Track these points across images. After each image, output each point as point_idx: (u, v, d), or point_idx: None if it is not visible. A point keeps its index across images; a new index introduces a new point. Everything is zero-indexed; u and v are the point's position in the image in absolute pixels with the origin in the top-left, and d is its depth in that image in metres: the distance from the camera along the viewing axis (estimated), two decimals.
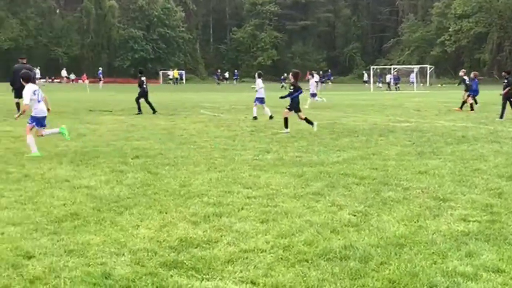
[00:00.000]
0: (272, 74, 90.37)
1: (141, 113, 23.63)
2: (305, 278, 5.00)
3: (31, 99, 12.07)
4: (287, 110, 16.77)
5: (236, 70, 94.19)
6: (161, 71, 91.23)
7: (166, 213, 7.20)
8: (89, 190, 8.48)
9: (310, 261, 5.42)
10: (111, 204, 7.56)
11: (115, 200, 7.84)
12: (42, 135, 12.60)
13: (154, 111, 23.95)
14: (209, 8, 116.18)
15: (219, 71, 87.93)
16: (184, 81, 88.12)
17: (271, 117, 20.92)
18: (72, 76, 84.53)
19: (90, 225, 6.59)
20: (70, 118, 21.54)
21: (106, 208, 7.36)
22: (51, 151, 12.58)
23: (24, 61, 23.26)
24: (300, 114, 16.87)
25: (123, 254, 5.55)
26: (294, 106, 16.71)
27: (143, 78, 24.96)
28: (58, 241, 5.93)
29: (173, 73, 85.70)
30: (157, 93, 39.13)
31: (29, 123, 12.21)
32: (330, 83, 73.70)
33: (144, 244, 5.90)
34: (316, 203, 7.74)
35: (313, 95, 30.28)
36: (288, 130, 16.52)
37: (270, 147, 13.58)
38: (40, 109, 12.33)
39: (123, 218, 6.90)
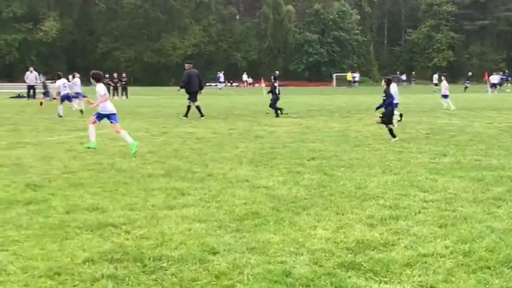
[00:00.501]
0: (449, 75, 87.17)
1: (280, 114, 24.33)
2: (487, 286, 4.83)
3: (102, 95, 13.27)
4: (380, 118, 15.70)
5: (413, 72, 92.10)
6: (334, 74, 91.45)
7: (342, 214, 7.26)
8: (267, 190, 8.77)
9: (492, 268, 5.22)
10: (289, 204, 7.77)
11: (292, 200, 8.04)
12: (118, 132, 13.36)
13: (277, 115, 24.40)
14: (384, 10, 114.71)
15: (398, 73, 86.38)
16: (357, 83, 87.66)
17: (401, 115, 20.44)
18: (250, 80, 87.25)
19: (270, 224, 6.82)
20: (247, 120, 22.36)
21: (284, 208, 7.57)
22: (231, 152, 13.16)
23: (191, 65, 24.71)
24: (390, 126, 15.63)
25: (302, 254, 5.69)
26: (387, 116, 15.52)
27: (276, 84, 25.56)
28: (240, 238, 6.20)
29: (347, 76, 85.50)
30: (330, 96, 39.35)
31: (94, 116, 13.47)
32: (509, 84, 69.56)
33: (321, 244, 6.00)
34: (497, 209, 7.41)
35: (445, 96, 28.65)
36: (397, 138, 15.45)
37: (447, 150, 13.18)
38: (104, 107, 13.38)
39: (301, 218, 7.06)
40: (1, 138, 15.64)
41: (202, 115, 23.45)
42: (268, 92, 26.08)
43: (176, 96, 41.01)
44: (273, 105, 24.96)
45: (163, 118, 23.43)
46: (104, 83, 14.02)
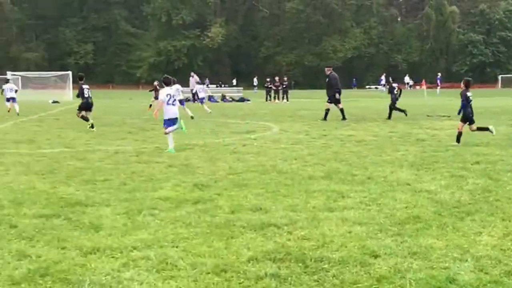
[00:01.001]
0: None
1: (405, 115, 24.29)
2: None
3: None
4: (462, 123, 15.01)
5: None
6: (500, 76, 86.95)
7: (509, 221, 6.95)
8: (429, 194, 8.58)
9: None
10: (452, 209, 7.56)
11: (455, 205, 7.81)
12: (166, 134, 14.16)
13: (389, 117, 24.32)
14: None
15: None
16: None
17: None
18: (411, 82, 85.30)
19: (432, 228, 6.68)
20: (408, 123, 21.93)
21: (447, 213, 7.37)
22: (392, 154, 13.00)
23: (331, 69, 25.29)
24: (472, 126, 15.10)
25: (466, 260, 5.53)
26: (467, 118, 14.92)
27: (395, 85, 25.44)
28: (401, 242, 6.14)
29: None
30: (495, 98, 37.51)
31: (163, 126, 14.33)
32: None
33: (487, 251, 5.80)
34: None
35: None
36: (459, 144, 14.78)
37: None
38: (167, 112, 14.27)
39: (465, 224, 6.85)
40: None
41: (344, 118, 23.83)
42: (388, 93, 26.07)
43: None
44: (392, 106, 24.68)
45: (322, 121, 23.58)
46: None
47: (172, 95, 14.46)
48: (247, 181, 9.77)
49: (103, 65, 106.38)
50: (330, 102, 24.38)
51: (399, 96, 25.27)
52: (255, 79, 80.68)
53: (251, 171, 10.89)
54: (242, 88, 66.96)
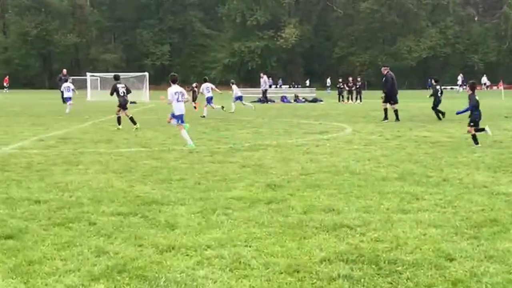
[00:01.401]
0: None
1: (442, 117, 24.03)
2: None
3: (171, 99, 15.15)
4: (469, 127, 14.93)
5: None
6: None
7: None
8: (507, 197, 8.37)
9: None
10: None
11: None
12: (180, 131, 15.25)
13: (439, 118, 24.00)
14: None
15: None
16: None
17: None
18: (488, 82, 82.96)
19: (510, 232, 6.51)
20: (484, 124, 21.31)
21: None
22: (468, 156, 12.72)
23: (388, 69, 25.26)
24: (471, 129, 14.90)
25: None
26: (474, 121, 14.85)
27: (438, 87, 25.08)
28: (478, 246, 6.02)
29: None
30: None
31: (173, 122, 15.35)
32: None
33: None
34: None
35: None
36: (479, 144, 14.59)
37: None
38: (177, 108, 15.10)
39: None
40: (245, 140, 16.73)
41: (398, 119, 23.76)
42: (430, 96, 25.59)
43: (409, 100, 40.52)
44: (434, 107, 24.57)
45: (396, 121, 23.27)
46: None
47: (179, 92, 15.38)
48: (320, 182, 9.77)
49: (178, 66, 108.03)
50: (390, 102, 24.12)
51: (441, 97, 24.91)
52: (328, 80, 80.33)
53: (324, 171, 10.88)
54: (315, 88, 66.80)
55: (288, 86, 78.76)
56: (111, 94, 21.55)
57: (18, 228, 6.73)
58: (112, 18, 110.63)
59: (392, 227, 6.81)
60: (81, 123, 23.34)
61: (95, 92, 53.53)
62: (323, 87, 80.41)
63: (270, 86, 73.06)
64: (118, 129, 20.23)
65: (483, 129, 15.14)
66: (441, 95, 25.07)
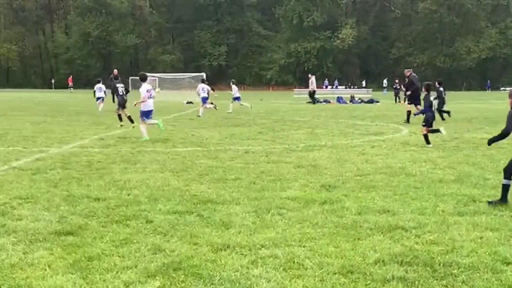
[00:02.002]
0: None
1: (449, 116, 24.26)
2: None
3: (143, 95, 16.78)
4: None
5: None
6: None
7: None
8: None
9: None
10: None
11: None
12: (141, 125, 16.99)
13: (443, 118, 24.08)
14: None
15: None
16: None
17: None
18: None
19: None
20: None
21: None
22: None
23: (411, 71, 24.97)
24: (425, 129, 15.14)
25: None
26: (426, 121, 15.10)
27: (441, 89, 24.93)
28: None
29: None
30: None
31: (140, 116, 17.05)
32: None
33: None
34: None
35: None
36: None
37: None
38: (147, 105, 16.87)
39: None
40: (300, 141, 16.74)
41: (408, 122, 23.67)
42: (434, 98, 25.68)
43: (467, 101, 39.73)
44: (439, 109, 24.39)
45: (454, 123, 22.89)
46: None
47: (150, 89, 17.16)
48: (375, 183, 9.72)
49: (235, 67, 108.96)
50: (412, 104, 23.74)
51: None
52: (385, 81, 79.47)
53: (379, 173, 10.81)
54: (371, 89, 66.18)
55: (344, 86, 78.26)
56: (112, 93, 23.20)
57: (78, 225, 6.93)
58: (171, 19, 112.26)
59: (448, 229, 6.74)
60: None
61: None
62: (380, 88, 79.58)
63: (326, 87, 72.79)
64: (121, 125, 21.38)
65: (438, 130, 15.39)
66: (445, 96, 25.73)
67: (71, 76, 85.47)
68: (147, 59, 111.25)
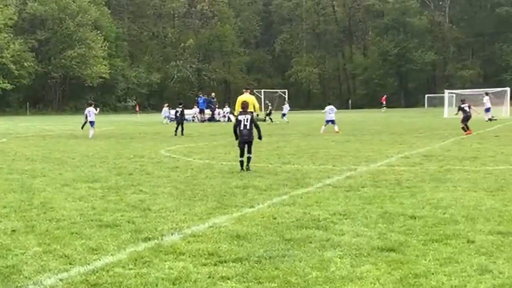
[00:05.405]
0: None
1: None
2: None
3: None
4: None
5: None
6: None
7: None
8: None
9: None
10: None
11: None
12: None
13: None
14: None
15: None
16: None
17: None
18: None
19: None
20: None
21: None
22: None
23: None
24: None
25: None
26: None
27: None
28: None
29: None
30: None
31: None
32: None
33: None
34: None
35: None
36: None
37: None
38: None
39: None
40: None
41: None
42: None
43: None
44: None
45: None
46: None
47: None
48: None
49: None
50: None
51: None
52: None
53: None
54: None
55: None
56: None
57: (398, 242, 6.98)
58: (470, 33, 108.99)
59: None
60: (442, 141, 23.29)
61: (451, 109, 52.99)
62: None
63: None
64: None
65: None
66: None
67: (385, 96, 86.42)
68: (444, 75, 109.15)
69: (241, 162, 14.35)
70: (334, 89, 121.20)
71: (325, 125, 30.73)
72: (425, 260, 6.21)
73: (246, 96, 22.61)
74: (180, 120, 31.29)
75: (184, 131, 30.60)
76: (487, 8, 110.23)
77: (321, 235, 7.35)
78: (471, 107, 28.14)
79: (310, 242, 7.03)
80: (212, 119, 51.16)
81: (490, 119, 40.59)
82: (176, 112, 32.62)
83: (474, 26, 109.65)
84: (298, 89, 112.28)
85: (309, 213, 8.76)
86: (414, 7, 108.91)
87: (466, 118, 27.26)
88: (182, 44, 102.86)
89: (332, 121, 30.80)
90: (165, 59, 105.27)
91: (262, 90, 76.43)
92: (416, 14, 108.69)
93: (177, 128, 30.63)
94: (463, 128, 27.11)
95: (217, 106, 53.99)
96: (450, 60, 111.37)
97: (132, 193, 11.06)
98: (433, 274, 5.73)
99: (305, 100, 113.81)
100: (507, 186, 11.06)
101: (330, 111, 31.20)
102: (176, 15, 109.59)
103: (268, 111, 48.45)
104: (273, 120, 45.02)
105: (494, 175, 12.62)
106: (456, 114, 29.33)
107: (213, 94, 56.95)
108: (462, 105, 28.00)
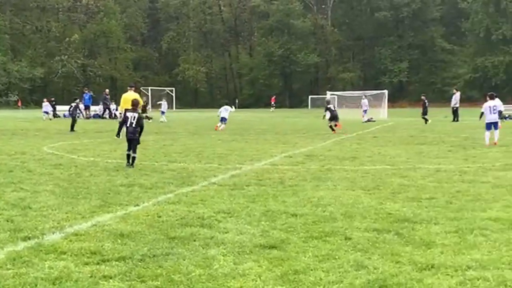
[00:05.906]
0: None
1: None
2: None
3: None
4: None
5: None
6: None
7: None
8: None
9: None
10: None
11: None
12: None
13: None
14: None
15: None
16: None
17: None
18: None
19: None
20: None
21: None
22: None
23: None
24: None
25: None
26: None
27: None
28: None
29: None
30: None
31: None
32: None
33: None
34: None
35: None
36: None
37: None
38: None
39: None
40: (495, 159, 16.01)
41: None
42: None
43: None
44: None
45: None
46: None
47: None
48: None
49: (416, 83, 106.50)
50: None
51: None
52: None
53: None
54: None
55: None
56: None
57: (280, 239, 7.16)
58: (351, 37, 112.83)
59: None
60: (324, 141, 23.99)
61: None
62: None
63: None
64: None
65: None
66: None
67: (274, 96, 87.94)
68: (326, 77, 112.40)
69: (128, 156, 14.56)
70: (221, 88, 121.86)
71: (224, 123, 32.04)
72: (305, 256, 6.41)
73: (132, 94, 22.34)
74: (74, 115, 31.39)
75: (75, 128, 30.11)
76: (367, 12, 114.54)
77: (205, 233, 7.42)
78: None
79: (194, 240, 7.09)
80: (108, 116, 49.62)
81: (368, 121, 42.25)
82: (70, 107, 32.60)
83: (355, 29, 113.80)
84: (186, 88, 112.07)
85: (194, 211, 8.81)
86: (297, 9, 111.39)
87: (333, 117, 29.33)
88: (67, 39, 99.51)
89: (224, 119, 31.81)
90: (49, 54, 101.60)
91: (149, 88, 75.51)
92: (299, 16, 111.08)
93: (73, 124, 30.19)
94: (330, 126, 29.27)
95: (113, 102, 52.21)
96: (332, 63, 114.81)
97: (12, 191, 10.68)
98: (312, 270, 5.92)
99: (193, 98, 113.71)
100: (383, 185, 11.57)
101: (225, 110, 32.57)
102: (60, 9, 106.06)
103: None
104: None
105: (371, 175, 13.16)
106: (324, 116, 30.70)
107: (106, 90, 55.35)
108: (328, 106, 30.16)
